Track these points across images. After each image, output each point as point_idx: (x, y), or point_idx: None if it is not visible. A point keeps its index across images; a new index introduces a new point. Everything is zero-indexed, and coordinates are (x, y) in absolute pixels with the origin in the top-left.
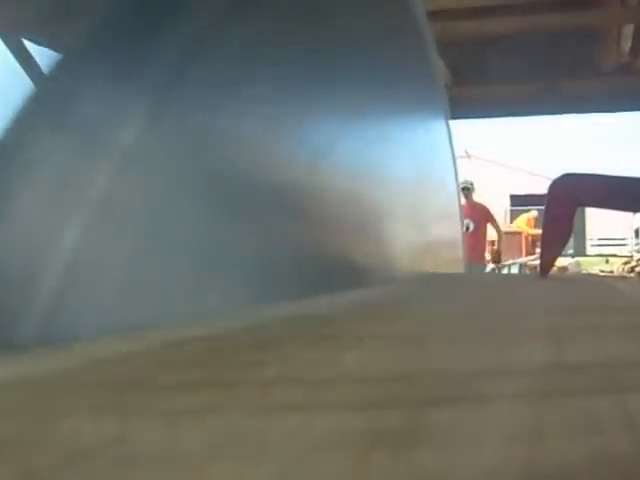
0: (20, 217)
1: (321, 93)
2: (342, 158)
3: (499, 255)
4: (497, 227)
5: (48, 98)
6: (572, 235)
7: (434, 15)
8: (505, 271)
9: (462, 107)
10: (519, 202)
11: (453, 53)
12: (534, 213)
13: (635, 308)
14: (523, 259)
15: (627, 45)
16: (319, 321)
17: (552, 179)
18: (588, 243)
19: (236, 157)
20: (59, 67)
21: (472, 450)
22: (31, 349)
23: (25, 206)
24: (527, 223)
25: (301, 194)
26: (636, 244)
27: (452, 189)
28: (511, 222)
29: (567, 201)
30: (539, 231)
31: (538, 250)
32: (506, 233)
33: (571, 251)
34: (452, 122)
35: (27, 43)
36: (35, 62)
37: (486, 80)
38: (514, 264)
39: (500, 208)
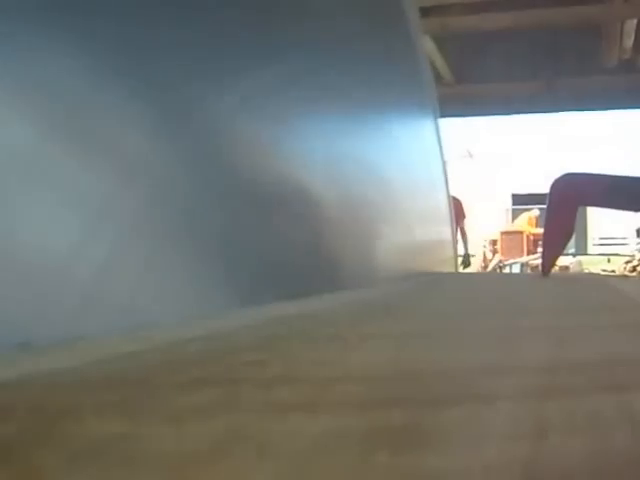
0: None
1: (308, 94)
2: (329, 160)
3: (468, 258)
4: (462, 228)
5: None
6: (574, 234)
7: (433, 10)
8: (506, 270)
9: (463, 105)
10: (521, 201)
11: (454, 51)
12: (535, 212)
13: (636, 307)
14: (524, 258)
15: (629, 42)
16: (320, 320)
17: (554, 178)
18: (590, 242)
19: (220, 160)
20: None
21: (474, 449)
22: (36, 347)
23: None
24: (528, 222)
25: (289, 196)
26: (637, 243)
27: (441, 188)
28: (512, 221)
29: (569, 200)
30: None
31: (540, 249)
32: (507, 232)
33: (572, 250)
34: (453, 120)
35: None
36: None
37: (487, 78)
38: (515, 263)
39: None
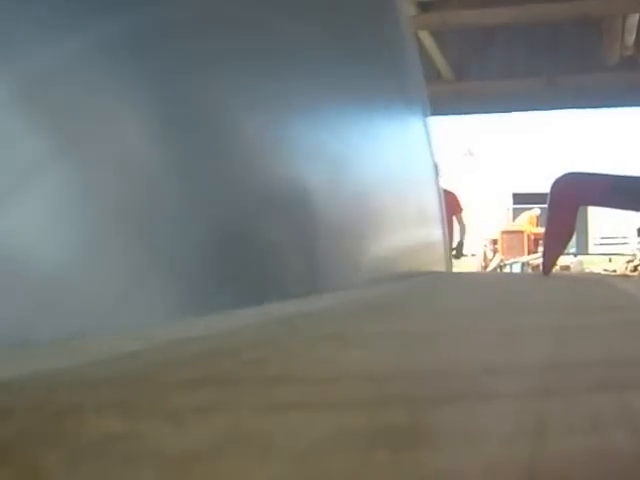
0: None
1: (293, 91)
2: (316, 158)
3: (461, 247)
4: (461, 221)
5: None
6: (574, 234)
7: (432, 5)
8: (507, 270)
9: (463, 102)
10: (522, 200)
11: (454, 48)
12: (536, 211)
13: (637, 306)
14: (525, 258)
15: (631, 38)
16: (321, 319)
17: (555, 178)
18: (591, 242)
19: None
20: None
21: (475, 448)
22: (35, 347)
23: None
24: (529, 221)
25: (264, 196)
26: (638, 243)
27: (431, 187)
28: (513, 220)
29: (569, 200)
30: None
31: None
32: (508, 232)
33: (574, 250)
34: (453, 118)
35: None
36: None
37: (487, 75)
38: (516, 263)
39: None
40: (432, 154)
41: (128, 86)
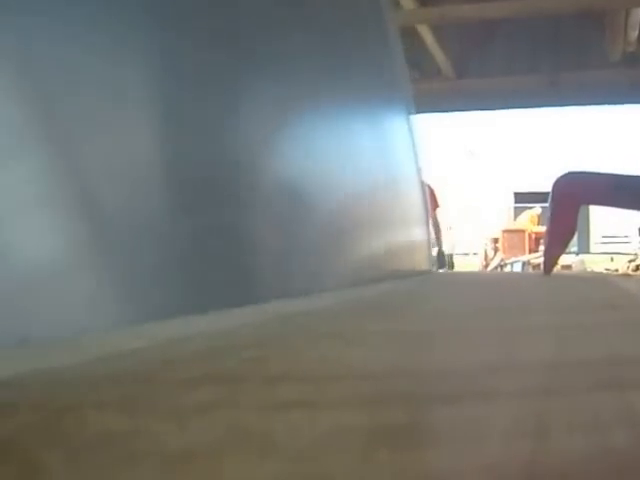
0: None
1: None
2: (292, 159)
3: (443, 257)
4: (435, 220)
5: None
6: (576, 233)
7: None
8: (507, 269)
9: (463, 99)
10: (523, 199)
11: (454, 45)
12: (537, 210)
13: (639, 305)
14: (526, 257)
15: (634, 34)
16: (321, 318)
17: (556, 177)
18: (592, 241)
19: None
20: None
21: (475, 447)
22: (38, 345)
23: None
24: (530, 220)
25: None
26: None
27: (415, 186)
28: (514, 219)
29: (571, 199)
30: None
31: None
32: (509, 231)
33: (575, 249)
34: (454, 117)
35: None
36: None
37: (488, 72)
38: (517, 262)
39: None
40: (416, 152)
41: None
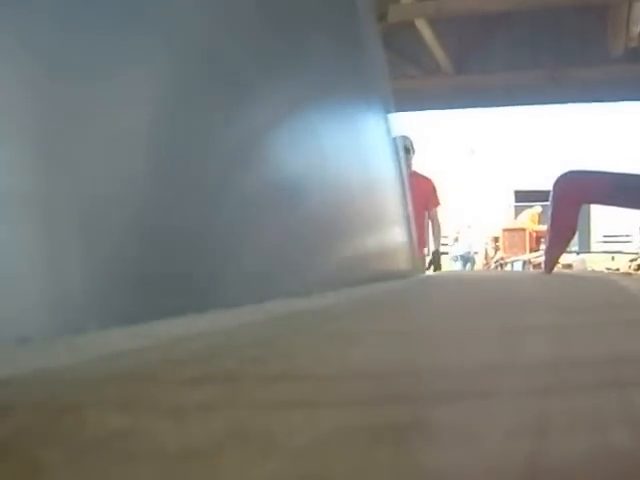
0: None
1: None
2: (262, 159)
3: (438, 257)
4: (433, 218)
5: None
6: (577, 232)
7: None
8: (508, 268)
9: (463, 96)
10: (523, 198)
11: (453, 40)
12: (538, 209)
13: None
14: (527, 256)
15: (637, 28)
16: (321, 318)
17: (557, 175)
18: (593, 240)
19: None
20: None
21: (475, 446)
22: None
23: None
24: (531, 219)
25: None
26: None
27: (393, 187)
28: (515, 218)
29: (572, 198)
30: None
31: (542, 247)
32: (510, 229)
33: (576, 248)
34: (454, 115)
35: None
36: None
37: (488, 68)
38: (517, 261)
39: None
40: (394, 151)
41: None
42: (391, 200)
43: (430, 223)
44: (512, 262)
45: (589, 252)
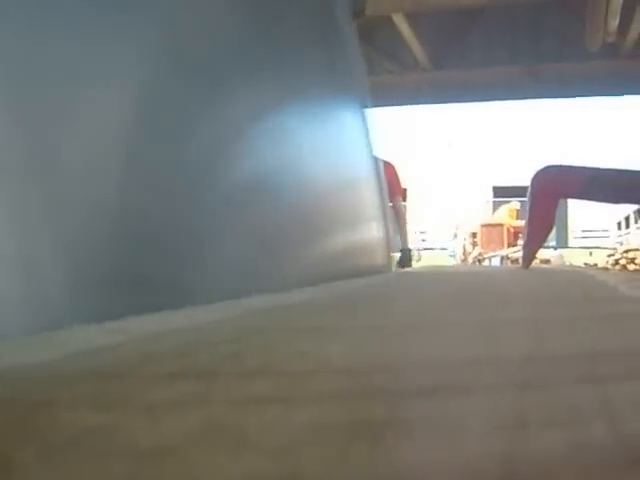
0: None
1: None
2: (242, 154)
3: (409, 255)
4: (397, 207)
5: None
6: (554, 227)
7: None
8: (486, 263)
9: (440, 91)
10: (501, 193)
11: (431, 36)
12: (516, 204)
13: (617, 298)
14: (505, 251)
15: (614, 23)
16: (297, 313)
17: (535, 171)
18: (571, 235)
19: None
20: None
21: (452, 442)
22: (12, 339)
23: None
24: (509, 214)
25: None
26: (619, 236)
27: (369, 182)
28: (493, 213)
29: (549, 193)
30: (521, 223)
31: (520, 242)
32: (488, 225)
33: (554, 243)
34: (432, 109)
35: None
36: None
37: (466, 63)
38: (495, 256)
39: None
40: (370, 146)
41: None
42: (367, 195)
43: (395, 216)
44: (490, 257)
45: (567, 247)
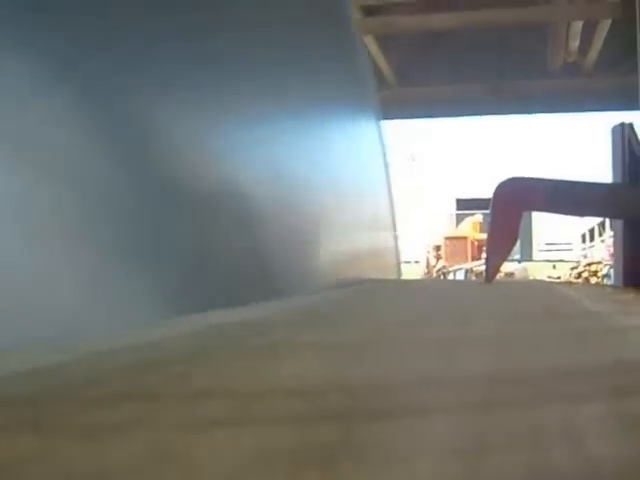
0: None
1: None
2: (263, 163)
3: None
4: None
5: None
6: (518, 240)
7: (375, 9)
8: (450, 277)
9: (406, 107)
10: (465, 206)
11: (397, 52)
12: (479, 217)
13: (581, 314)
14: (469, 264)
15: (575, 44)
16: (253, 329)
17: (498, 183)
18: (535, 248)
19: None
20: None
21: (407, 467)
22: None
23: None
24: (473, 227)
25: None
26: (583, 249)
27: (383, 193)
28: (457, 226)
29: (513, 205)
30: (485, 236)
31: (484, 255)
32: (451, 238)
33: (518, 256)
34: (396, 123)
35: None
36: None
37: (431, 80)
38: (459, 270)
39: (445, 212)
40: (385, 157)
41: None
42: (383, 206)
43: None
44: (454, 271)
45: (531, 260)
